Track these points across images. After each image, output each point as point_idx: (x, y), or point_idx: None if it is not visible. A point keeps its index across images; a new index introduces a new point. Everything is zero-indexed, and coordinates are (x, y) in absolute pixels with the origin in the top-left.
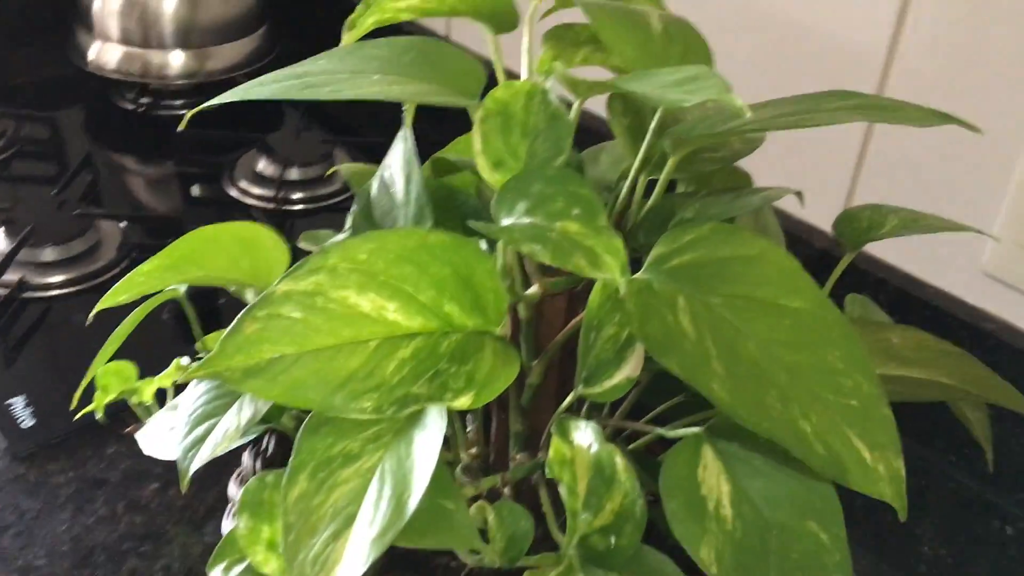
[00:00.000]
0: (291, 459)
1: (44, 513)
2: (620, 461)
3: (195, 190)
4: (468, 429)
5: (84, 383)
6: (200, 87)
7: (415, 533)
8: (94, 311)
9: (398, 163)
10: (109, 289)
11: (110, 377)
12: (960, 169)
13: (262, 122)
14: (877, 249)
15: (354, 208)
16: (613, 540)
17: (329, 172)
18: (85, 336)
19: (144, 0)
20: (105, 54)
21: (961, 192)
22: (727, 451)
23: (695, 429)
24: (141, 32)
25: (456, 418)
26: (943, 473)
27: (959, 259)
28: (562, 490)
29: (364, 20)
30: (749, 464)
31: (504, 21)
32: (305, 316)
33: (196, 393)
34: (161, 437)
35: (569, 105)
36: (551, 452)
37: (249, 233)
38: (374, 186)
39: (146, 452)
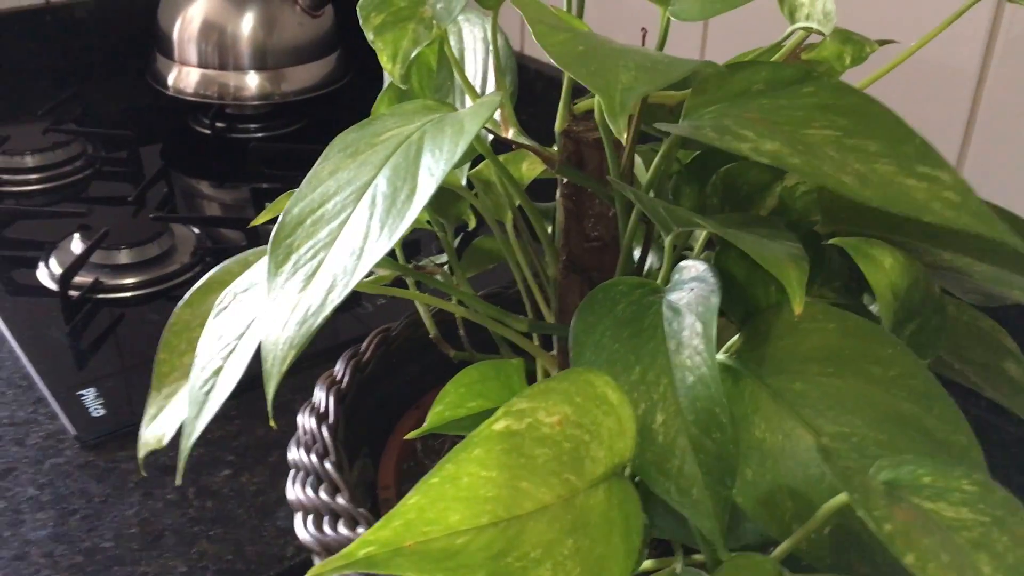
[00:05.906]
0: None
1: (112, 497)
2: None
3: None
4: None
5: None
6: (275, 108)
7: None
8: None
9: None
10: (182, 292)
11: None
12: None
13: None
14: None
15: None
16: None
17: None
18: (155, 336)
19: (222, 24)
20: (184, 78)
21: None
22: None
23: None
24: (218, 55)
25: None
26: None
27: None
28: None
29: None
30: None
31: None
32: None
33: None
34: None
35: None
36: None
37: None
38: None
39: None
